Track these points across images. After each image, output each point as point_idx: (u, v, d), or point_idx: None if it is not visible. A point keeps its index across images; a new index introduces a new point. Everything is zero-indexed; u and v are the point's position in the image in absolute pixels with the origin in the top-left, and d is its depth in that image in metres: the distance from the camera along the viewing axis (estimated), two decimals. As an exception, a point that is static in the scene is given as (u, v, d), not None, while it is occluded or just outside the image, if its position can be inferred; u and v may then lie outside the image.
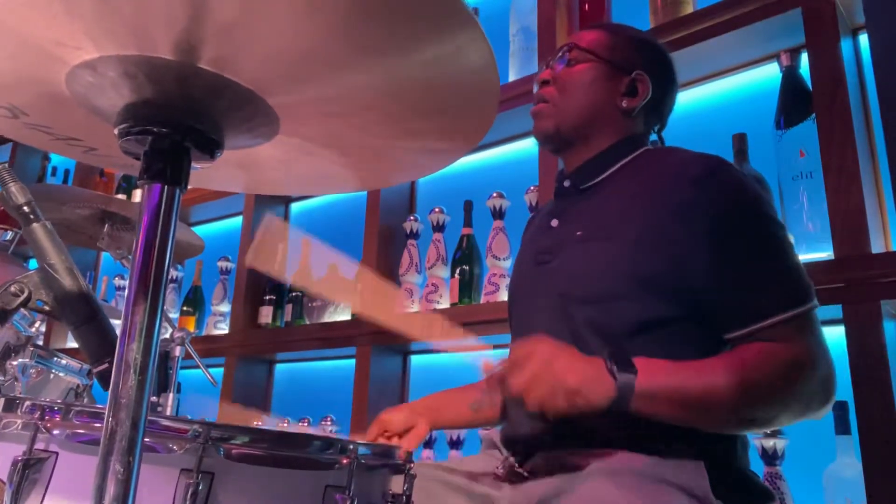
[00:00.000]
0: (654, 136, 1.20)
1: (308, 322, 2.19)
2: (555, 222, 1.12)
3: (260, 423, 2.18)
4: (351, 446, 0.67)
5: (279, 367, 2.46)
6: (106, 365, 0.81)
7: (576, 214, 1.09)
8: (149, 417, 0.57)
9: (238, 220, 2.59)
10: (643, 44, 1.16)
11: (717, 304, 0.93)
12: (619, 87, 1.12)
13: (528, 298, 1.12)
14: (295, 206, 2.64)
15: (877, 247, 1.26)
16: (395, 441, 1.19)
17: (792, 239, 1.35)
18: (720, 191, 0.96)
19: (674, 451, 0.89)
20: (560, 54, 1.16)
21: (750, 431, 0.96)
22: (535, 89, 1.18)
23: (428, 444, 1.84)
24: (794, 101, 1.42)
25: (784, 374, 0.88)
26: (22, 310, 0.81)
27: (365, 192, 2.17)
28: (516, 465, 1.01)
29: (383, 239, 2.09)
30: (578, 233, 1.05)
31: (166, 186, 0.55)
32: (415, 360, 2.11)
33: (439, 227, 1.98)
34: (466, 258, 1.88)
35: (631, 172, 1.08)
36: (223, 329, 2.46)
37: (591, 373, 0.85)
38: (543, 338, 0.89)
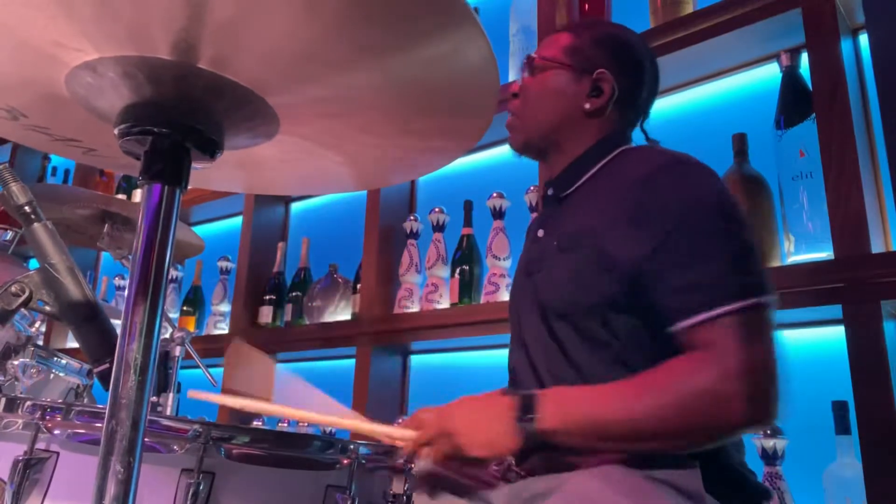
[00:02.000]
0: (638, 134, 1.19)
1: (308, 322, 2.19)
2: (541, 232, 1.12)
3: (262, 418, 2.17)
4: (351, 447, 0.67)
5: (279, 367, 2.46)
6: (106, 365, 0.81)
7: (555, 224, 1.09)
8: (150, 417, 0.57)
9: (238, 220, 2.59)
10: (605, 39, 1.13)
11: (659, 302, 0.91)
12: (582, 89, 1.10)
13: (519, 308, 1.13)
14: (295, 206, 2.64)
15: (877, 247, 1.26)
16: (424, 450, 1.17)
17: (791, 239, 1.35)
18: (662, 189, 0.94)
19: (664, 458, 0.89)
20: (524, 65, 1.16)
21: (680, 451, 0.92)
22: (507, 103, 1.17)
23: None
24: (794, 101, 1.42)
25: (703, 396, 0.83)
26: (22, 310, 0.81)
27: (365, 192, 2.17)
28: (513, 464, 1.01)
29: (383, 239, 2.09)
30: (554, 243, 1.05)
31: (166, 186, 0.55)
32: (415, 360, 2.11)
33: (439, 227, 1.98)
34: (466, 258, 1.88)
35: (603, 177, 1.07)
36: (223, 329, 2.46)
37: (492, 435, 0.87)
38: (445, 410, 0.91)
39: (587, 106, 1.09)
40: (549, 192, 1.14)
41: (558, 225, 1.08)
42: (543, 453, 0.97)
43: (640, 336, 0.94)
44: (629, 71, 1.12)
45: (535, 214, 1.77)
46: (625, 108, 1.12)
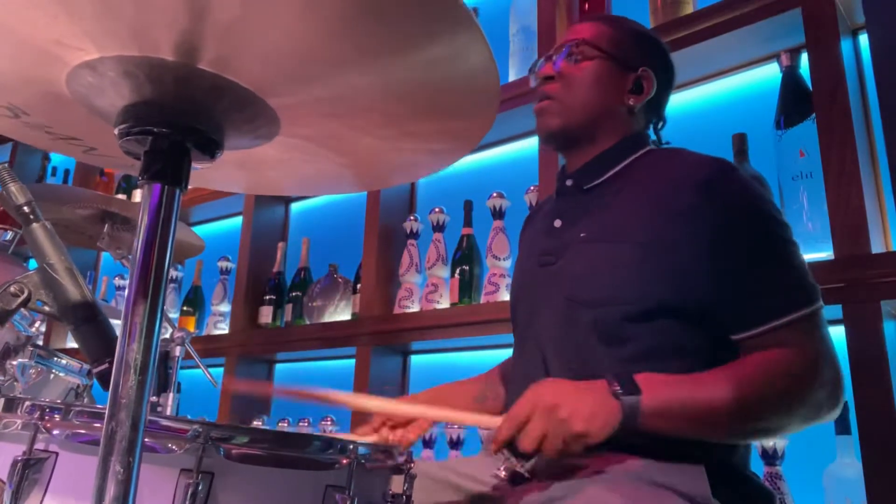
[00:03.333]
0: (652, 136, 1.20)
1: (308, 322, 2.19)
2: (558, 222, 1.11)
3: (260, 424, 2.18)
4: (351, 446, 0.67)
5: (279, 367, 2.46)
6: (106, 365, 0.81)
7: (579, 215, 1.08)
8: (149, 417, 0.57)
9: (238, 220, 2.59)
10: (646, 39, 1.15)
11: (723, 307, 0.93)
12: (625, 85, 1.10)
13: (532, 300, 1.11)
14: (295, 206, 2.64)
15: (877, 247, 1.26)
16: (398, 432, 1.18)
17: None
18: (726, 195, 0.96)
19: (674, 454, 0.88)
20: (564, 49, 1.13)
21: (760, 440, 0.96)
22: (534, 83, 1.16)
23: (428, 443, 1.84)
24: (794, 101, 1.42)
25: (789, 383, 0.88)
26: (22, 310, 0.81)
27: (365, 192, 2.17)
28: (517, 466, 1.00)
29: (383, 239, 2.09)
30: (583, 234, 1.04)
31: (166, 186, 0.55)
32: (415, 359, 2.11)
33: (439, 227, 1.98)
34: (466, 258, 1.88)
35: (635, 173, 1.07)
36: (223, 329, 2.46)
37: (595, 408, 0.84)
38: (540, 387, 0.88)
39: (630, 102, 1.10)
40: (569, 182, 1.13)
41: (585, 216, 1.06)
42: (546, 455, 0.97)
43: (663, 337, 0.94)
44: (664, 73, 1.13)
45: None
46: (651, 109, 1.14)
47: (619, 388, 0.85)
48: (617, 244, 0.99)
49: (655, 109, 1.15)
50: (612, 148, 1.10)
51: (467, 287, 1.85)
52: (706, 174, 0.97)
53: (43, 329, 1.51)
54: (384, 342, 1.97)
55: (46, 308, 0.81)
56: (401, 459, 0.75)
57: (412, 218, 2.07)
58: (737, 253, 0.93)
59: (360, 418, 1.91)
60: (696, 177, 0.97)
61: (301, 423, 2.07)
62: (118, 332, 0.54)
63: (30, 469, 0.59)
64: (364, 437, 1.18)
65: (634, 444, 0.89)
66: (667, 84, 1.15)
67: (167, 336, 1.33)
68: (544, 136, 1.15)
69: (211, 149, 0.58)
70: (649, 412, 0.85)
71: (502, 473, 1.02)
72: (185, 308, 2.58)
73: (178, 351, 1.32)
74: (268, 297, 2.34)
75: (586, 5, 1.79)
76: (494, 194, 1.87)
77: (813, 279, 0.94)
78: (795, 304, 0.91)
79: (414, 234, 2.05)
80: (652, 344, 0.94)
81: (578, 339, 0.98)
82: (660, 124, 1.19)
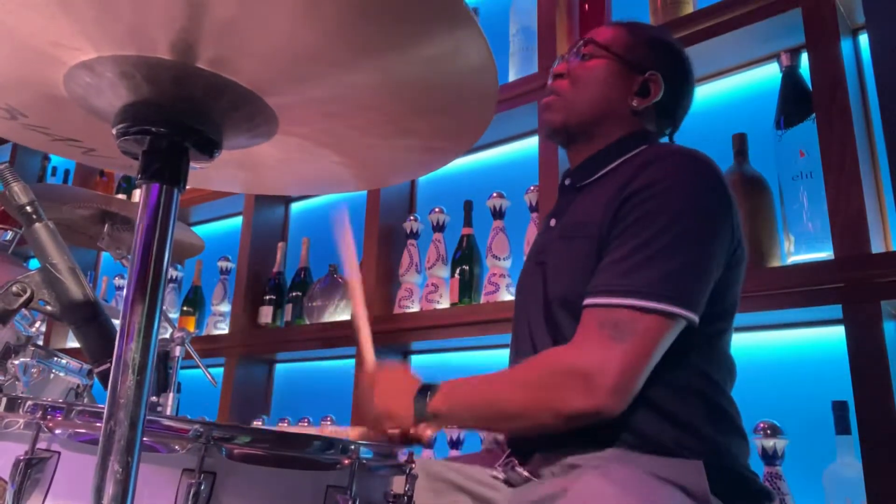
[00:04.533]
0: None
1: (308, 322, 2.19)
2: (553, 221, 1.12)
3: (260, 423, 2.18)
4: (352, 447, 0.67)
5: (279, 367, 2.46)
6: (106, 365, 0.81)
7: (567, 213, 1.09)
8: (151, 417, 0.57)
9: (238, 220, 2.59)
10: (660, 44, 1.15)
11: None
12: (631, 86, 1.11)
13: (523, 298, 1.13)
14: (295, 206, 2.64)
15: (877, 247, 1.26)
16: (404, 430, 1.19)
17: (791, 239, 1.35)
18: (648, 173, 0.96)
19: (672, 450, 0.89)
20: (576, 48, 1.15)
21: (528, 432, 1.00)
22: (550, 82, 1.17)
23: (428, 443, 1.84)
24: (794, 101, 1.42)
25: (543, 384, 0.92)
26: (23, 310, 0.81)
27: (365, 192, 2.17)
28: (516, 464, 1.01)
29: (383, 239, 2.09)
30: (558, 232, 1.06)
31: (165, 186, 0.55)
32: (415, 360, 2.11)
33: (439, 227, 1.98)
34: (466, 258, 1.88)
35: (620, 170, 1.08)
36: (223, 329, 2.46)
37: (400, 399, 1.00)
38: (384, 367, 1.09)
39: (634, 103, 1.10)
40: (567, 181, 1.14)
41: (568, 215, 1.08)
42: (545, 454, 0.97)
43: None
44: (677, 80, 1.14)
45: (534, 215, 1.77)
46: (662, 115, 1.14)
47: (418, 392, 0.99)
48: (577, 240, 1.01)
49: (668, 115, 1.15)
50: (608, 147, 1.10)
51: (467, 287, 1.85)
52: (646, 158, 0.98)
53: (43, 329, 1.51)
54: (384, 342, 1.97)
55: (48, 308, 0.81)
56: (401, 459, 0.75)
57: (412, 218, 2.07)
58: (626, 221, 0.94)
59: (360, 417, 1.91)
60: (637, 162, 0.99)
61: (301, 423, 2.07)
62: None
63: (32, 468, 0.59)
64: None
65: (633, 440, 0.89)
66: (680, 91, 1.15)
67: (167, 336, 1.33)
68: (547, 131, 1.17)
69: (209, 148, 0.58)
70: (436, 413, 0.97)
71: (501, 472, 1.02)
72: (185, 308, 2.58)
73: (178, 351, 1.32)
74: (268, 297, 2.34)
75: (586, 6, 1.79)
76: (494, 194, 1.87)
77: (691, 287, 0.90)
78: (637, 291, 0.88)
79: (414, 234, 2.06)
80: None
81: (556, 335, 1.01)
82: (670, 131, 1.18)
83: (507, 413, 0.94)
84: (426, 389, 0.99)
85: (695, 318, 0.90)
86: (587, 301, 0.92)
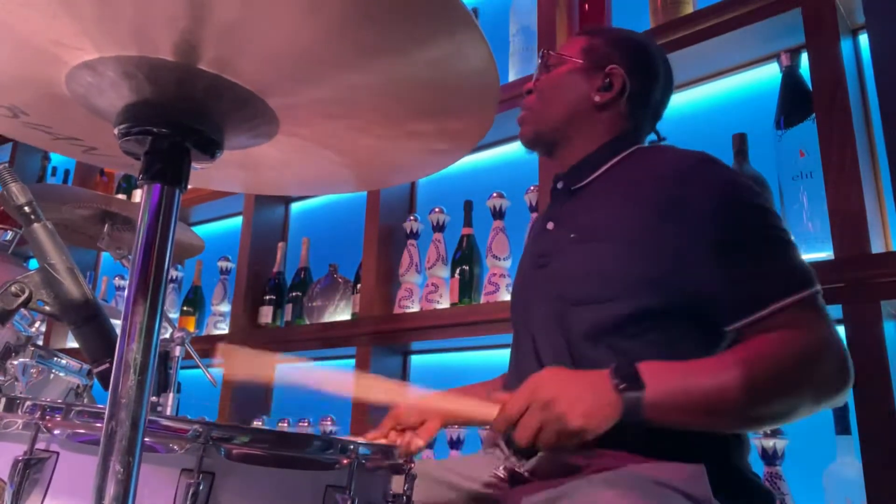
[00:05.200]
0: (652, 138, 1.20)
1: (308, 322, 2.19)
2: (551, 225, 1.12)
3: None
4: (351, 446, 0.67)
5: (279, 367, 2.46)
6: (106, 365, 0.81)
7: (570, 216, 1.09)
8: (149, 417, 0.57)
9: (238, 220, 2.59)
10: (620, 40, 1.17)
11: (715, 297, 0.92)
12: (593, 84, 1.13)
13: (527, 302, 1.12)
14: (295, 206, 2.64)
15: (877, 247, 1.26)
16: (407, 435, 1.19)
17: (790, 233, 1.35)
18: (707, 184, 0.96)
19: (674, 453, 0.88)
20: (539, 62, 1.20)
21: (769, 426, 0.95)
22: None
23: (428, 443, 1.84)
24: (794, 101, 1.42)
25: (796, 362, 0.85)
26: (22, 310, 0.81)
27: (365, 192, 2.17)
28: (517, 466, 1.01)
29: (383, 239, 2.09)
30: (572, 235, 1.05)
31: (166, 186, 0.55)
32: (415, 360, 2.11)
33: (439, 227, 1.98)
34: (466, 258, 1.88)
35: (621, 171, 1.08)
36: (223, 329, 2.46)
37: (595, 403, 0.82)
38: (539, 378, 0.86)
39: (596, 99, 1.12)
40: (559, 185, 1.15)
41: (573, 217, 1.08)
42: (546, 455, 0.97)
43: (654, 334, 0.94)
44: (642, 70, 1.14)
45: (534, 215, 1.77)
46: (637, 107, 1.14)
47: (620, 381, 0.83)
48: (605, 242, 1.00)
49: (646, 108, 1.15)
50: (599, 149, 1.12)
51: (467, 287, 1.85)
52: (686, 166, 0.98)
53: (43, 329, 1.51)
54: (384, 342, 1.97)
55: (47, 308, 0.81)
56: (401, 459, 0.75)
57: (412, 218, 2.07)
58: (726, 240, 0.93)
59: (360, 417, 1.91)
60: (677, 169, 0.98)
61: (301, 423, 2.07)
62: (119, 331, 0.54)
63: (31, 469, 0.59)
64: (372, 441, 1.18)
65: (634, 442, 0.89)
66: (650, 82, 1.15)
67: (167, 336, 1.33)
68: (524, 145, 1.21)
69: (210, 149, 0.58)
70: (652, 406, 0.82)
71: (502, 473, 1.02)
72: (185, 308, 2.58)
73: (178, 351, 1.32)
74: (268, 297, 2.34)
75: (586, 6, 1.79)
76: (494, 194, 1.87)
77: (807, 265, 0.93)
78: (788, 288, 0.89)
79: (414, 234, 2.06)
80: (642, 341, 0.94)
81: (570, 338, 0.99)
82: (655, 122, 1.19)
83: (752, 399, 0.84)
84: (629, 376, 0.84)
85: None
86: (761, 313, 0.89)
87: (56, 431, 0.60)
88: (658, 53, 1.18)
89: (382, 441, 1.16)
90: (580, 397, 0.82)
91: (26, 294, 0.79)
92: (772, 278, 0.91)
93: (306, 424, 2.07)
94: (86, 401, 1.38)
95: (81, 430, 0.61)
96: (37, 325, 1.33)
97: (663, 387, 0.84)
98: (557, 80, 1.16)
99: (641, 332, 0.94)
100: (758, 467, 1.19)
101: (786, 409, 0.87)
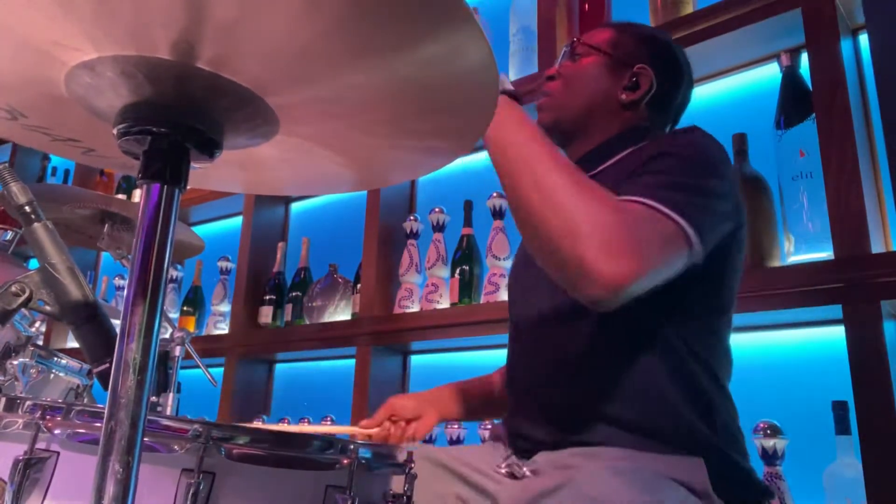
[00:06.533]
0: None
1: (308, 322, 2.19)
2: None
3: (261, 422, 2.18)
4: (351, 446, 0.67)
5: (279, 367, 2.46)
6: (106, 365, 0.81)
7: None
8: (150, 417, 0.57)
9: (238, 220, 2.59)
10: (649, 39, 1.16)
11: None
12: (620, 81, 1.12)
13: (525, 294, 1.13)
14: (295, 206, 2.64)
15: (877, 247, 1.26)
16: (402, 426, 1.19)
17: (791, 239, 1.35)
18: (672, 141, 0.97)
19: (673, 447, 0.89)
20: (566, 50, 1.18)
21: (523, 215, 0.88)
22: (543, 85, 1.19)
23: (428, 442, 1.84)
24: (794, 101, 1.42)
25: (577, 221, 0.81)
26: (22, 310, 0.81)
27: (365, 192, 2.17)
28: (518, 463, 1.01)
29: (383, 239, 2.09)
30: None
31: (165, 186, 0.55)
32: (415, 360, 2.11)
33: (439, 227, 1.98)
34: (466, 258, 1.88)
35: (625, 163, 1.08)
36: (223, 329, 2.46)
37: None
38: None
39: (623, 97, 1.12)
40: None
41: None
42: (547, 453, 0.97)
43: (640, 321, 0.94)
44: (668, 73, 1.14)
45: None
46: (658, 109, 1.14)
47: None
48: None
49: (665, 109, 1.15)
50: (607, 141, 1.11)
51: (467, 287, 1.85)
52: (669, 135, 0.99)
53: (43, 329, 1.51)
54: (384, 342, 1.97)
55: (47, 308, 0.81)
56: (401, 459, 0.75)
57: (412, 218, 2.07)
58: (656, 162, 0.93)
59: (360, 417, 1.91)
60: (660, 142, 0.99)
61: (301, 423, 2.07)
62: (118, 331, 0.54)
63: (31, 469, 0.59)
64: (366, 430, 1.18)
65: (632, 434, 0.90)
66: (674, 84, 1.16)
67: (167, 336, 1.33)
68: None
69: (210, 148, 0.58)
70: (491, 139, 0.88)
71: (503, 470, 1.02)
72: (185, 308, 2.58)
73: (178, 351, 1.32)
74: (268, 297, 2.34)
75: (586, 6, 1.79)
76: (494, 194, 1.87)
77: (702, 218, 0.87)
78: (670, 202, 0.85)
79: (414, 234, 2.05)
80: (631, 328, 0.95)
81: (563, 327, 1.00)
82: (674, 125, 1.19)
83: (543, 202, 0.83)
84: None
85: (700, 251, 0.86)
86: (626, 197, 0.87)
87: (56, 431, 0.60)
88: (682, 55, 1.18)
89: (376, 430, 1.17)
90: None
91: (26, 294, 0.79)
92: (663, 189, 0.87)
93: (306, 424, 2.07)
94: (86, 401, 1.38)
95: (81, 430, 0.61)
96: (37, 325, 1.33)
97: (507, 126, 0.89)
98: (585, 70, 1.14)
99: (627, 321, 0.94)
100: (758, 467, 1.19)
101: (548, 241, 0.83)
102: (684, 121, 1.67)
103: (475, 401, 1.28)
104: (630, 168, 0.98)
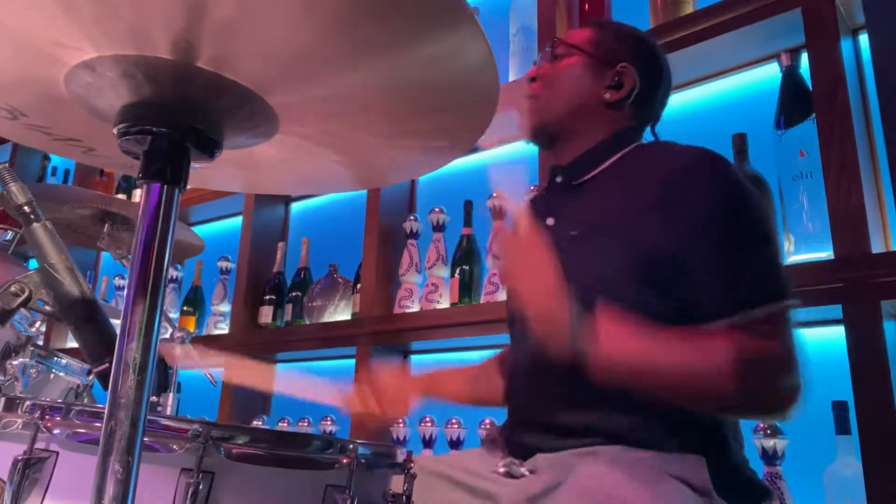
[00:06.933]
0: (648, 136, 1.20)
1: (308, 322, 2.19)
2: (550, 220, 1.12)
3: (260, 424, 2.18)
4: (351, 446, 0.67)
5: (279, 367, 2.46)
6: (106, 365, 0.81)
7: (570, 212, 1.09)
8: (149, 417, 0.57)
9: (238, 220, 2.59)
10: (629, 37, 1.15)
11: (700, 292, 0.92)
12: (603, 81, 1.11)
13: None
14: (295, 206, 2.64)
15: (877, 247, 1.26)
16: (380, 398, 1.19)
17: (791, 239, 1.36)
18: (709, 180, 0.95)
19: (673, 446, 0.89)
20: (546, 51, 1.17)
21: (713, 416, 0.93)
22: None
23: (428, 443, 1.84)
24: (794, 101, 1.42)
25: (763, 371, 0.85)
26: (22, 310, 0.81)
27: (365, 192, 2.17)
28: (517, 464, 1.01)
29: (383, 239, 2.09)
30: (573, 232, 1.05)
31: (166, 186, 0.55)
32: (415, 360, 2.11)
33: (439, 227, 1.98)
34: (466, 258, 1.88)
35: (623, 168, 1.07)
36: (223, 329, 2.46)
37: (546, 304, 0.87)
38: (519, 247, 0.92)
39: (606, 96, 1.11)
40: (558, 179, 1.14)
41: (575, 213, 1.07)
42: (546, 454, 0.97)
43: (666, 322, 0.94)
44: (650, 70, 1.13)
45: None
46: (641, 106, 1.13)
47: (577, 329, 0.85)
48: (606, 239, 0.99)
49: (647, 107, 1.15)
50: (600, 144, 1.10)
51: (467, 287, 1.85)
52: (690, 161, 0.97)
53: (43, 329, 1.51)
54: (384, 342, 1.97)
55: (47, 308, 0.81)
56: (401, 459, 0.75)
57: (412, 218, 2.07)
58: (717, 237, 0.92)
59: (358, 421, 1.91)
60: (679, 164, 0.97)
61: (301, 423, 2.07)
62: (118, 331, 0.54)
63: (30, 468, 0.59)
64: (351, 408, 1.18)
65: (633, 436, 0.90)
66: (655, 82, 1.15)
67: (167, 336, 1.33)
68: (525, 134, 1.18)
69: (210, 148, 0.58)
70: (600, 366, 0.84)
71: (501, 470, 1.02)
72: (185, 308, 2.58)
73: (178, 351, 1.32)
74: (268, 297, 2.34)
75: (586, 6, 1.79)
76: (494, 194, 1.86)
77: (787, 277, 0.92)
78: (768, 296, 0.88)
79: (414, 234, 2.05)
80: None
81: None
82: (654, 123, 1.19)
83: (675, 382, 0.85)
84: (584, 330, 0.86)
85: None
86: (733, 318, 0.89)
87: (56, 431, 0.60)
88: (662, 54, 1.17)
89: (361, 409, 1.17)
90: (535, 282, 0.89)
91: (26, 294, 0.79)
92: (753, 284, 0.90)
93: (306, 424, 2.07)
94: (86, 400, 1.38)
95: (81, 430, 0.61)
96: (37, 325, 1.33)
97: (615, 349, 0.85)
98: (566, 70, 1.13)
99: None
100: (758, 467, 1.19)
101: (733, 406, 0.88)
102: (687, 121, 1.68)
103: (464, 382, 1.29)
104: (640, 185, 0.99)
